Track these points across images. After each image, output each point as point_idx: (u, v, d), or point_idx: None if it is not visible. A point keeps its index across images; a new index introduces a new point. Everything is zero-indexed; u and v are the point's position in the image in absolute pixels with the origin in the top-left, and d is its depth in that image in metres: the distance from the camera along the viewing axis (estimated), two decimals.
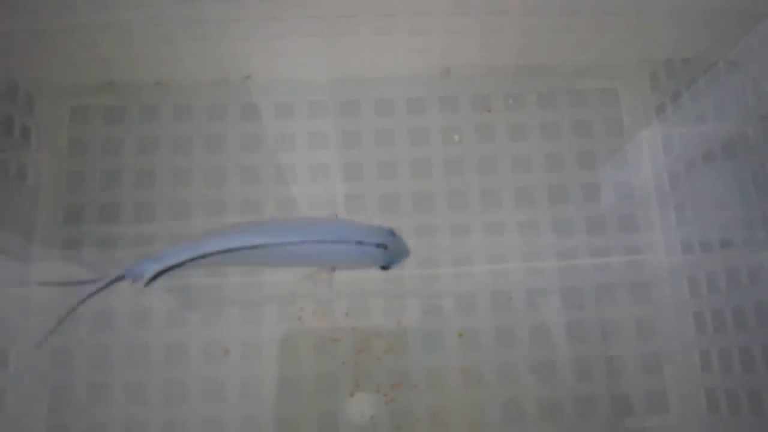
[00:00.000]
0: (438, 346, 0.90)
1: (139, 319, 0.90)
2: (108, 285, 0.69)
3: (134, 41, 0.89)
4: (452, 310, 0.92)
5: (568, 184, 0.97)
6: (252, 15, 0.86)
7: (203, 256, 0.67)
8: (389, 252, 0.71)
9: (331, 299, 0.91)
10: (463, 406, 0.89)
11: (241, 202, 0.94)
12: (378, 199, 0.95)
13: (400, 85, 0.99)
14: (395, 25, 0.89)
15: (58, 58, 0.92)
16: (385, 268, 0.73)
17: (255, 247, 0.68)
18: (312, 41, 0.92)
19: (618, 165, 0.98)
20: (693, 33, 0.91)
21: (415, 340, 0.90)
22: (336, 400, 0.88)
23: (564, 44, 0.95)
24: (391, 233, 0.73)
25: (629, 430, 0.90)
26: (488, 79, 1.00)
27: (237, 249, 0.68)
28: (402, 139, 0.98)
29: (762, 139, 0.82)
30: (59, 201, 0.93)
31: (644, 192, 0.97)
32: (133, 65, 0.95)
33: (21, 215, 0.91)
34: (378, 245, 0.70)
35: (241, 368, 0.89)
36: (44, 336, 0.72)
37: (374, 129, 0.98)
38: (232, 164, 0.96)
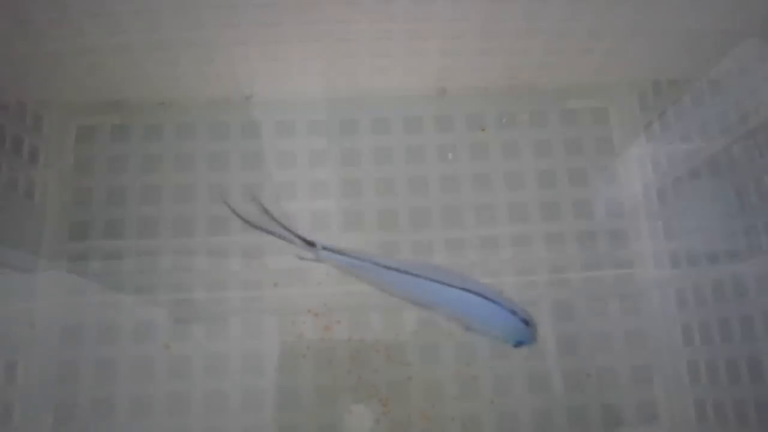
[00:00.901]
0: (435, 357, 0.92)
1: (143, 334, 0.91)
2: (298, 239, 0.74)
3: (139, 63, 0.91)
4: (448, 322, 0.94)
5: (560, 200, 0.99)
6: (253, 37, 0.87)
7: (370, 261, 0.72)
8: (529, 330, 0.72)
9: (331, 312, 0.93)
10: (460, 416, 0.90)
11: None
12: (376, 215, 0.98)
13: (397, 104, 1.01)
14: (393, 48, 0.91)
15: (65, 79, 0.94)
16: (517, 345, 0.73)
17: (416, 276, 0.72)
18: (312, 62, 0.94)
19: (608, 181, 1.01)
20: (679, 55, 0.94)
21: (412, 351, 0.92)
22: (336, 411, 0.89)
23: (555, 66, 0.97)
24: (531, 318, 0.74)
25: None
26: (482, 99, 1.02)
27: (398, 270, 0.72)
28: (399, 156, 1.00)
29: (745, 156, 0.85)
30: (66, 217, 0.95)
31: (633, 207, 0.99)
32: (137, 86, 0.97)
33: (28, 231, 0.92)
34: (525, 321, 0.72)
35: (242, 380, 0.91)
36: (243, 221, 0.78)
37: (372, 147, 1.00)
38: (234, 181, 0.98)
